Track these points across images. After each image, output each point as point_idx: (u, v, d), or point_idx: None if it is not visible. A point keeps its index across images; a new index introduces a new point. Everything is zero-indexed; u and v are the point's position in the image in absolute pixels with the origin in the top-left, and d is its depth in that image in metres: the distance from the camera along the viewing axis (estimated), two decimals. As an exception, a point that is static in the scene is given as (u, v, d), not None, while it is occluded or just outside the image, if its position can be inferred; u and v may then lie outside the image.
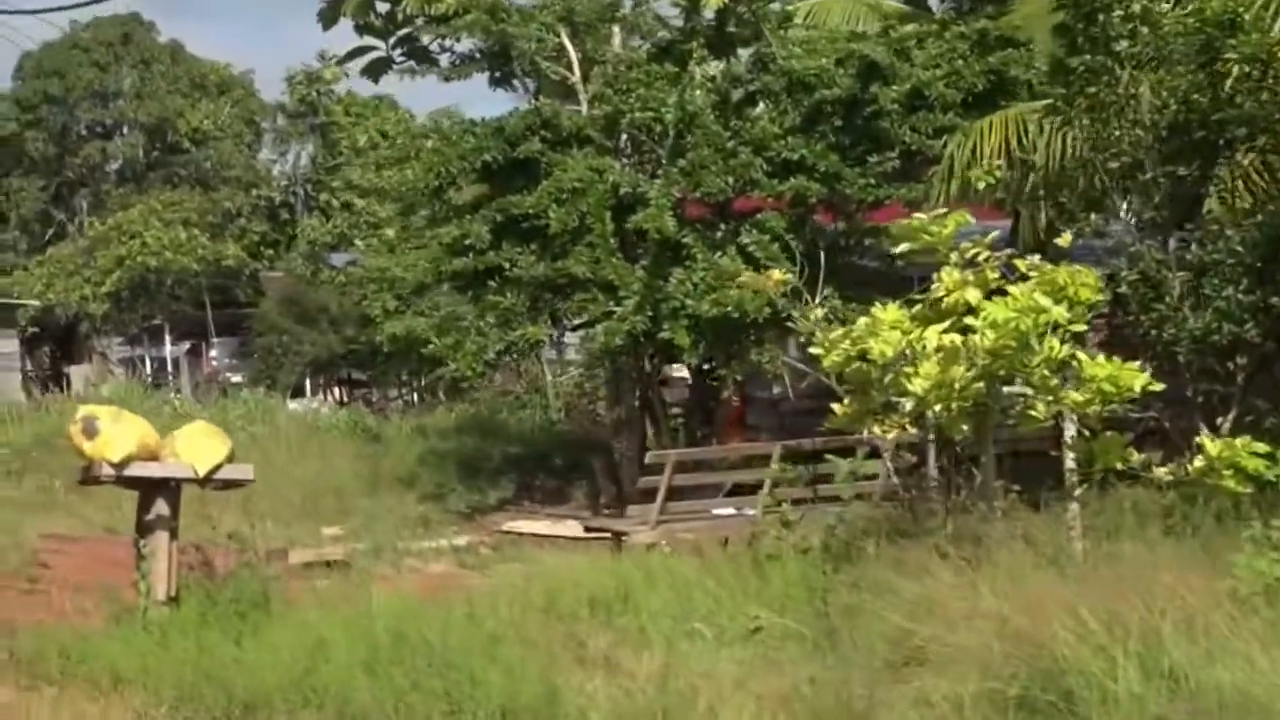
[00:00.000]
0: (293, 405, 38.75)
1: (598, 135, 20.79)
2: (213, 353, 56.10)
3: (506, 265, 20.32)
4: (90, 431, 11.83)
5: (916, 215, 12.97)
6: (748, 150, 19.67)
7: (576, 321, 24.60)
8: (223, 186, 65.06)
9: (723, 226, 20.17)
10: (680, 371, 34.67)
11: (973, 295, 12.34)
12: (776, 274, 13.67)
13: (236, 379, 50.83)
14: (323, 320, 43.87)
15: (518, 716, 8.84)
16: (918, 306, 12.65)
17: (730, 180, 19.50)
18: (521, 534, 19.93)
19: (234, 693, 9.93)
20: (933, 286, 12.59)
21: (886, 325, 12.36)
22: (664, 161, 20.06)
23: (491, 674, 9.62)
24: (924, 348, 12.13)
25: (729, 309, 18.79)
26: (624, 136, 21.27)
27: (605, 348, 19.47)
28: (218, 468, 12.03)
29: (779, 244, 19.30)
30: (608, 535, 16.68)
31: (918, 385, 11.94)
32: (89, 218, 63.90)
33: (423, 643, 10.55)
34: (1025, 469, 13.22)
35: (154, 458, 11.99)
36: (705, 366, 21.73)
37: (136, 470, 11.88)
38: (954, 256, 12.67)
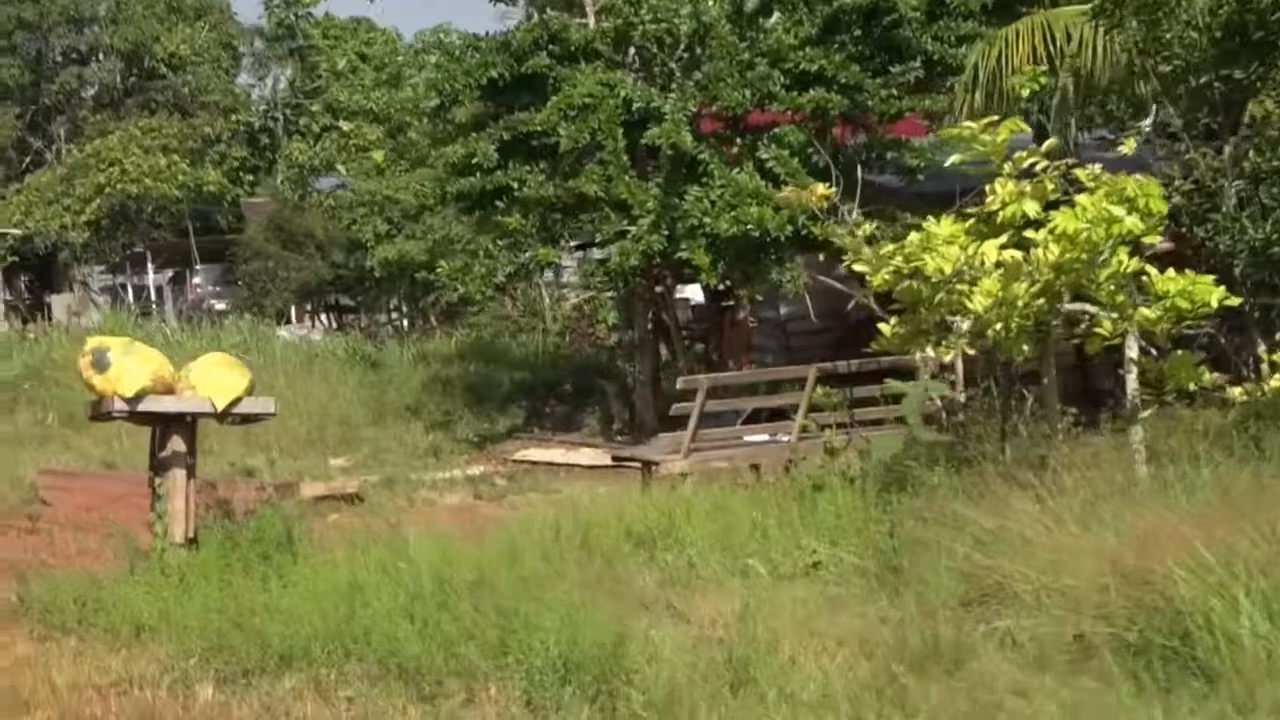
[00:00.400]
0: (281, 333, 38.01)
1: (606, 49, 20.01)
2: (196, 280, 55.26)
3: (515, 185, 19.55)
4: (101, 364, 11.12)
5: (967, 124, 12.28)
6: (764, 62, 18.91)
7: (575, 242, 23.92)
8: (201, 112, 63.88)
9: (738, 142, 19.42)
10: (683, 293, 34.04)
11: (1030, 207, 11.68)
12: (820, 188, 12.97)
13: (220, 306, 50.08)
14: (309, 246, 43.03)
15: (582, 668, 8.17)
16: (969, 220, 11.98)
17: (748, 93, 18.74)
18: (535, 463, 19.33)
19: (268, 642, 9.27)
20: (986, 198, 11.94)
21: (941, 240, 11.69)
22: (677, 75, 19.28)
23: (546, 619, 8.99)
24: (982, 263, 11.48)
25: (749, 227, 18.12)
26: (632, 50, 20.47)
27: (620, 268, 18.76)
28: (237, 401, 11.31)
29: (799, 159, 18.59)
30: (635, 464, 16.00)
31: (977, 303, 11.29)
32: (66, 145, 62.80)
33: (465, 585, 9.93)
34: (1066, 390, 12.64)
35: (169, 391, 11.29)
36: (719, 287, 21.01)
37: (151, 405, 11.17)
38: (1007, 167, 12.03)
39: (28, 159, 64.22)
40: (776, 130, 18.98)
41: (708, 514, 12.20)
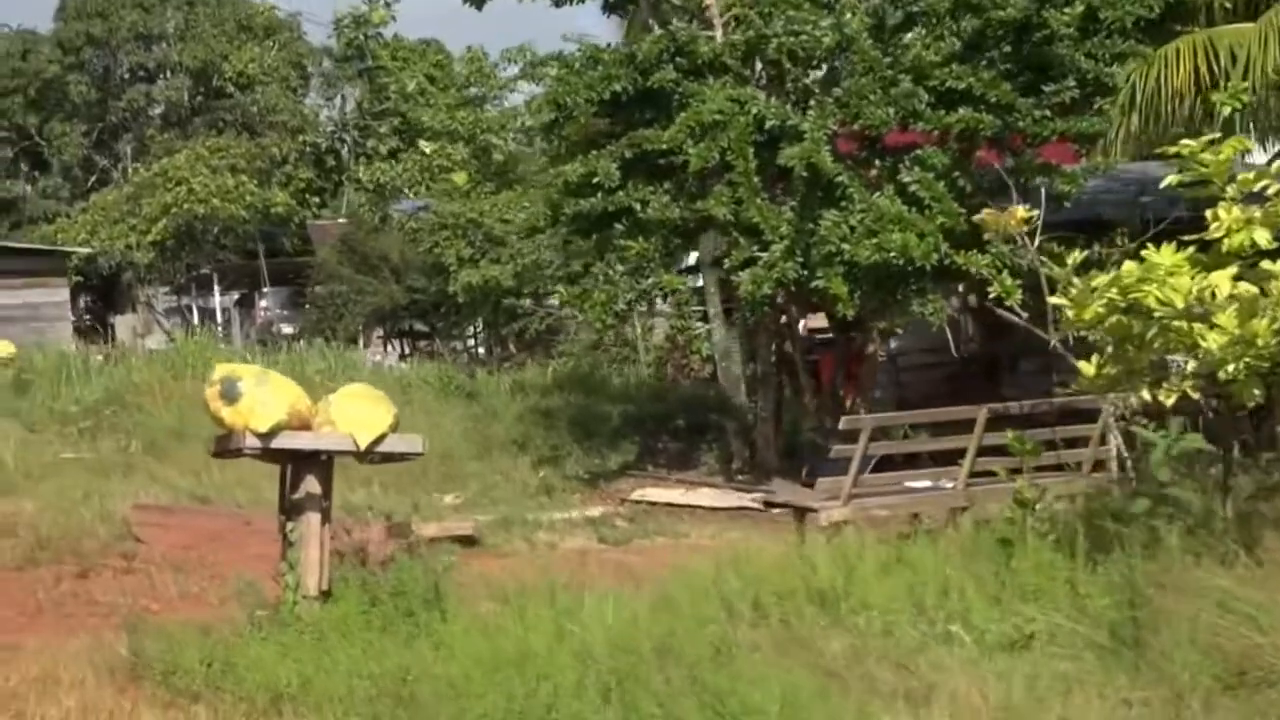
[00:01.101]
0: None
1: (734, 64, 18.77)
2: (263, 302, 54.28)
3: (637, 206, 18.34)
4: (231, 395, 9.94)
5: (1185, 142, 11.00)
6: (907, 79, 17.66)
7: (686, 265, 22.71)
8: (269, 132, 63.09)
9: (876, 164, 18.15)
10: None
11: (1261, 236, 10.42)
12: (1020, 212, 11.71)
13: (288, 330, 49.16)
14: (384, 269, 41.96)
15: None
16: (1188, 249, 10.68)
17: (891, 111, 17.48)
18: (654, 503, 18.09)
19: (435, 720, 8.06)
20: (1210, 225, 10.67)
21: (1164, 270, 10.40)
22: (816, 92, 18.04)
23: (759, 699, 7.76)
24: (1213, 296, 10.19)
25: (891, 254, 16.86)
26: (759, 66, 19.28)
27: (751, 297, 17.48)
28: (381, 439, 10.10)
29: (944, 182, 17.34)
30: (774, 508, 14.76)
31: (1213, 340, 10.00)
32: (133, 164, 62.06)
33: (649, 653, 8.70)
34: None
35: (305, 426, 10.10)
36: (848, 318, 19.73)
37: (286, 442, 9.97)
38: (1230, 190, 10.77)
39: (93, 177, 63.55)
40: (919, 152, 17.69)
41: (885, 569, 10.94)
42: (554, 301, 34.09)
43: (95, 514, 16.64)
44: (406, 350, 43.51)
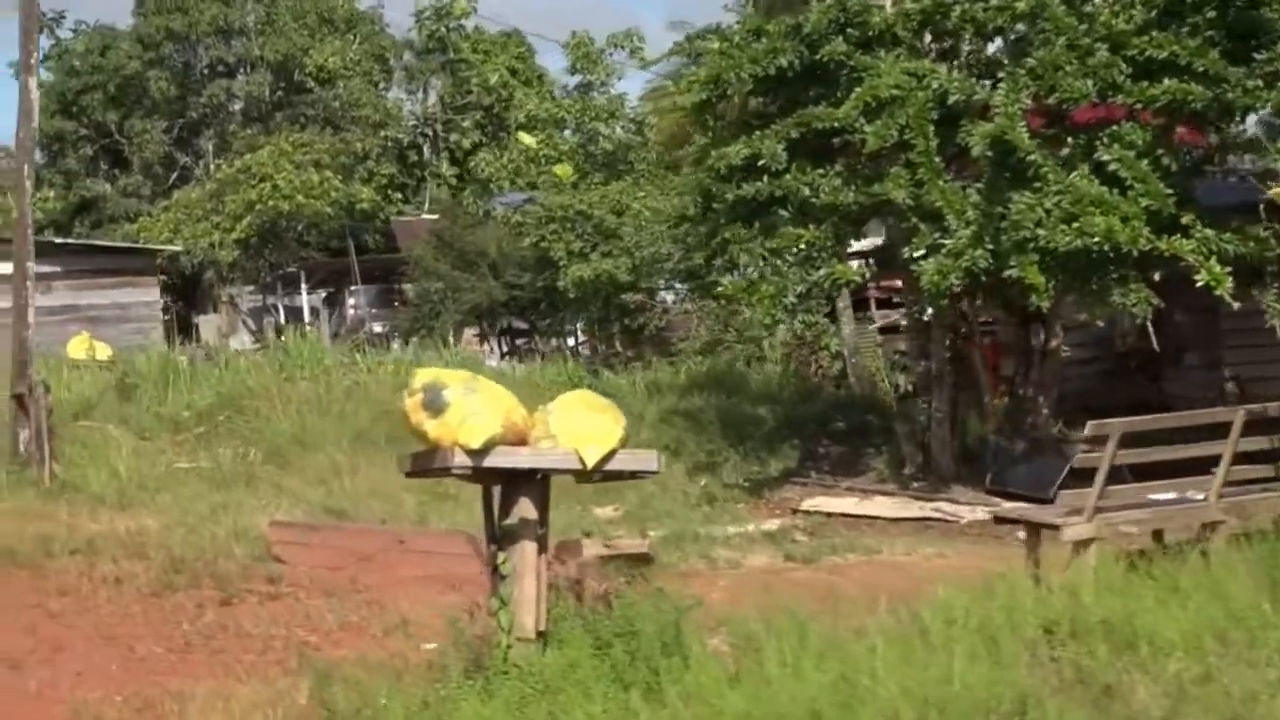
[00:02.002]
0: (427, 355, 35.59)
1: (906, 35, 17.26)
2: (352, 300, 53.04)
3: (805, 190, 16.83)
4: (436, 405, 8.49)
5: None
6: (1103, 48, 16.07)
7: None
8: (351, 127, 61.90)
9: (1069, 141, 16.56)
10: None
11: None
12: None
13: (378, 328, 47.93)
14: (481, 265, 40.62)
15: None
16: None
17: (1089, 84, 15.90)
18: (829, 515, 16.59)
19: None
20: None
21: None
22: (1004, 63, 16.48)
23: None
24: None
25: (1094, 239, 15.28)
26: (928, 37, 17.77)
27: (935, 288, 15.93)
28: (611, 455, 8.64)
29: (1146, 160, 15.75)
30: (1016, 522, 13.21)
31: None
32: (215, 160, 60.99)
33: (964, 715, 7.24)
34: None
35: (521, 441, 8.64)
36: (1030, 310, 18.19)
37: (502, 460, 8.52)
38: None
39: (174, 175, 62.50)
40: (1117, 128, 16.08)
41: (1175, 597, 9.44)
42: (667, 296, 32.74)
43: (229, 532, 15.27)
44: (504, 349, 42.21)
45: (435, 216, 62.07)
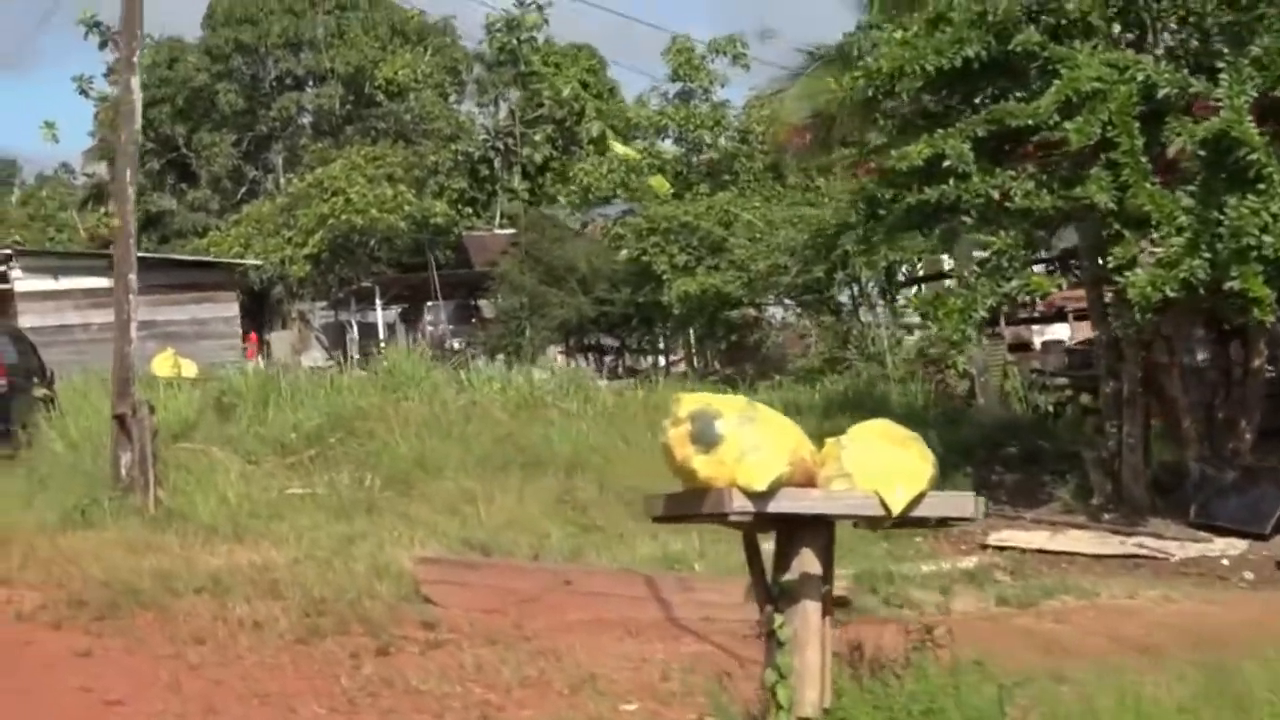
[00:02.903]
0: (537, 373, 34.15)
1: (1100, 24, 15.70)
2: (428, 317, 51.70)
3: (994, 194, 15.27)
4: (707, 438, 6.99)
5: None
6: (1327, 35, 14.49)
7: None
8: (423, 140, 60.64)
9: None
10: (1044, 334, 29.56)
11: None
12: None
13: (457, 345, 46.53)
14: (570, 279, 39.22)
15: None
16: None
17: (1323, 73, 14.32)
18: (1023, 550, 15.02)
19: None
20: None
21: None
22: (1224, 52, 14.88)
23: None
24: None
25: (1328, 246, 13.70)
26: (1117, 27, 16.20)
27: (1146, 301, 14.32)
28: (919, 499, 7.13)
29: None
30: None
31: None
32: (285, 174, 59.85)
33: None
34: None
35: (809, 481, 7.13)
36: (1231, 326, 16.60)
37: (791, 504, 7.00)
38: None
39: (243, 189, 61.35)
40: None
41: None
42: (776, 311, 31.22)
43: (368, 568, 13.79)
44: (593, 364, 40.77)
45: (510, 231, 60.87)
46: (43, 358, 26.56)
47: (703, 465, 7.02)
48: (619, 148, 35.16)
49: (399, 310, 53.57)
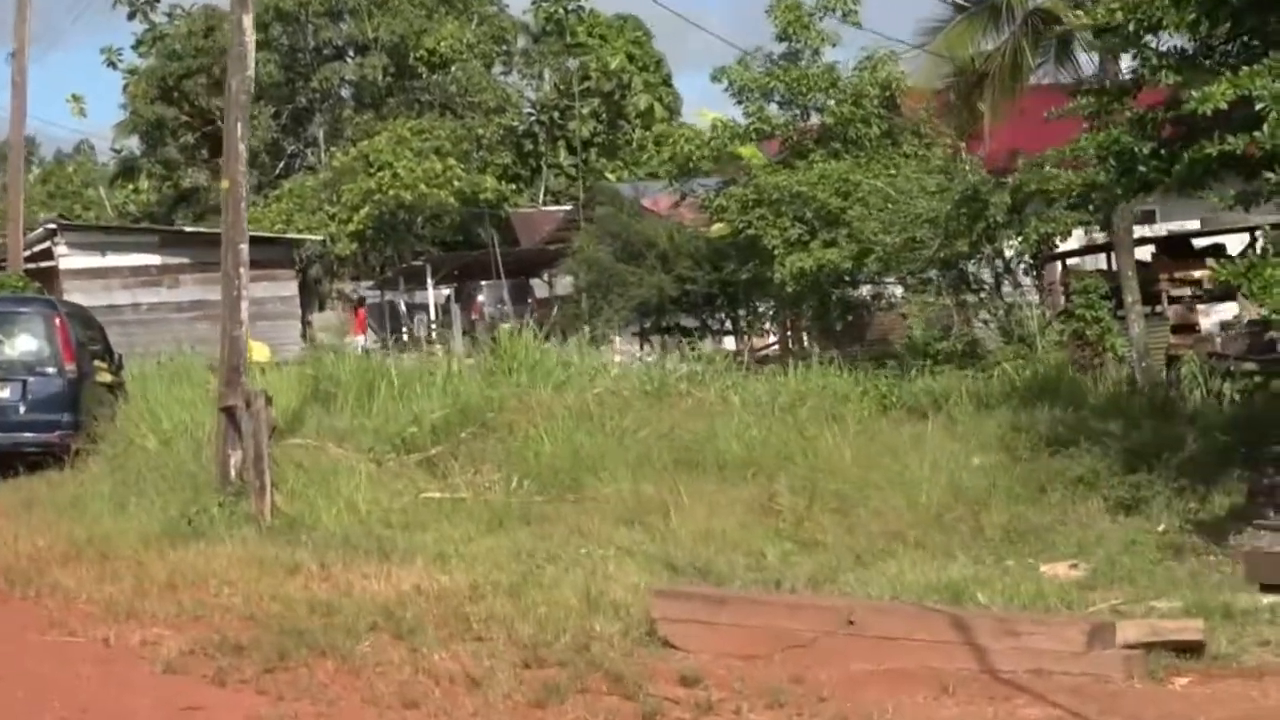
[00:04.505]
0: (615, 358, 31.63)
1: None
2: (481, 297, 49.11)
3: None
4: None
5: None
6: None
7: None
8: (467, 113, 58.04)
9: None
10: (1210, 314, 26.89)
11: None
12: None
13: (507, 327, 43.80)
14: (649, 257, 36.53)
15: None
16: None
17: None
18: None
19: None
20: None
21: None
22: None
23: None
24: None
25: None
26: None
27: None
28: None
29: None
30: None
31: None
32: (326, 148, 57.22)
33: None
34: None
35: None
36: None
37: None
38: None
39: (281, 164, 58.70)
40: None
41: None
42: (897, 290, 28.57)
43: (579, 599, 11.24)
44: (669, 348, 38.09)
45: (560, 208, 58.29)
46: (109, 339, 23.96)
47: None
48: (710, 114, 32.36)
49: (449, 290, 50.93)
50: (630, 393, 19.73)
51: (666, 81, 68.54)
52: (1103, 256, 26.84)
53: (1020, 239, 24.26)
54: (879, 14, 50.61)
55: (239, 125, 16.12)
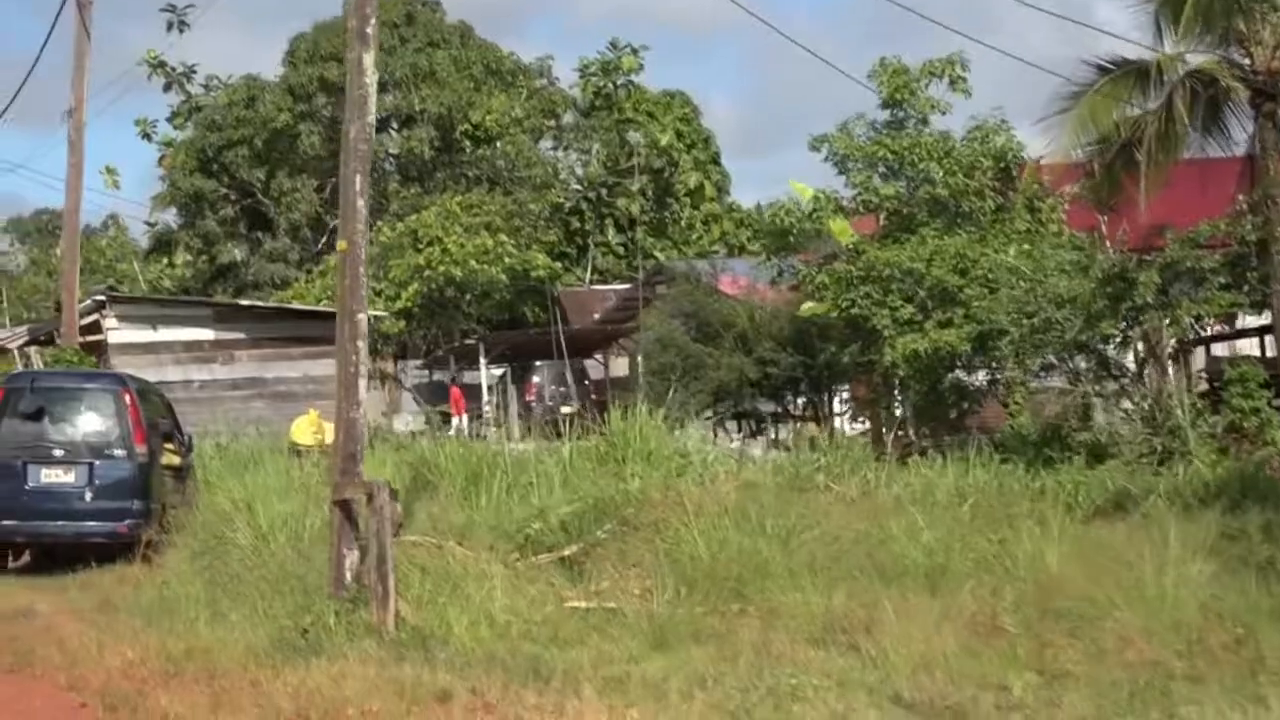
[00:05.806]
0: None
1: None
2: (535, 378, 47.05)
3: None
4: None
5: None
6: None
7: None
8: (515, 188, 56.20)
9: None
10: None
11: None
12: None
13: (567, 409, 41.71)
14: (727, 337, 34.64)
15: None
16: None
17: None
18: None
19: None
20: None
21: None
22: None
23: None
24: None
25: None
26: None
27: None
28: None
29: None
30: None
31: None
32: (372, 223, 55.30)
33: None
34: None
35: None
36: None
37: None
38: None
39: (324, 239, 56.83)
40: None
41: None
42: (1014, 371, 26.50)
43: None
44: (747, 433, 36.04)
45: (611, 287, 56.43)
46: (179, 419, 21.88)
47: None
48: (800, 186, 30.42)
49: (502, 370, 48.91)
50: (770, 485, 17.63)
51: (715, 159, 66.89)
52: (1246, 341, 24.87)
53: (1170, 322, 22.24)
54: (987, 87, 48.59)
55: (358, 178, 14.09)
